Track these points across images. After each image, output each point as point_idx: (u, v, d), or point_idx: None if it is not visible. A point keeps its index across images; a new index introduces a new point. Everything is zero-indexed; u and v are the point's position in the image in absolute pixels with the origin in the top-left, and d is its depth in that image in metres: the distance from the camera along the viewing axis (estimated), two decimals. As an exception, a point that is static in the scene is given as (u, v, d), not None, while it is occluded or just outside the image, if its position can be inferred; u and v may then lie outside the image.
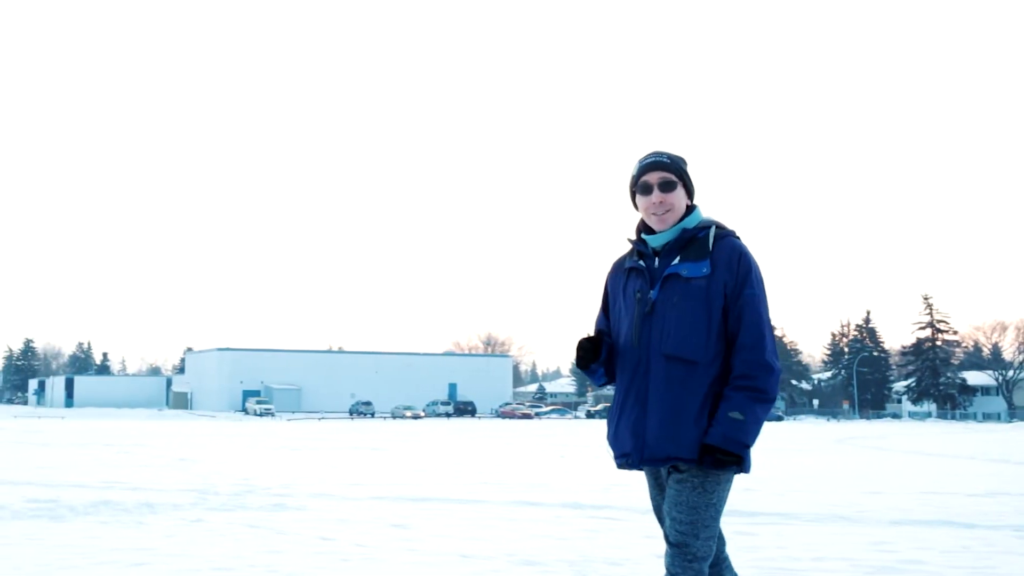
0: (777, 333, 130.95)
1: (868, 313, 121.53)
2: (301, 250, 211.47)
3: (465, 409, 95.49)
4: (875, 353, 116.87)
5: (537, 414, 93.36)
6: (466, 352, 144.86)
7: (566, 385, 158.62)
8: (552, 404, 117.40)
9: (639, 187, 4.02)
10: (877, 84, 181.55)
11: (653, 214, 3.97)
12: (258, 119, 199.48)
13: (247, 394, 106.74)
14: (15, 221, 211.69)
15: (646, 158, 4.05)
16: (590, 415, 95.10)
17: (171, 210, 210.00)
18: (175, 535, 8.81)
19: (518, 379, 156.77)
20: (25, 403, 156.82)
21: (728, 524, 9.94)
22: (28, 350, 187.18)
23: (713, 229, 3.97)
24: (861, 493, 13.73)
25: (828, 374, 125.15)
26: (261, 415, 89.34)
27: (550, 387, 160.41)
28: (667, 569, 3.74)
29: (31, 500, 11.44)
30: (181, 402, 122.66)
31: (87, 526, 9.39)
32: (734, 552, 8.13)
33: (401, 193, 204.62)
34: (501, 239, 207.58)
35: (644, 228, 4.09)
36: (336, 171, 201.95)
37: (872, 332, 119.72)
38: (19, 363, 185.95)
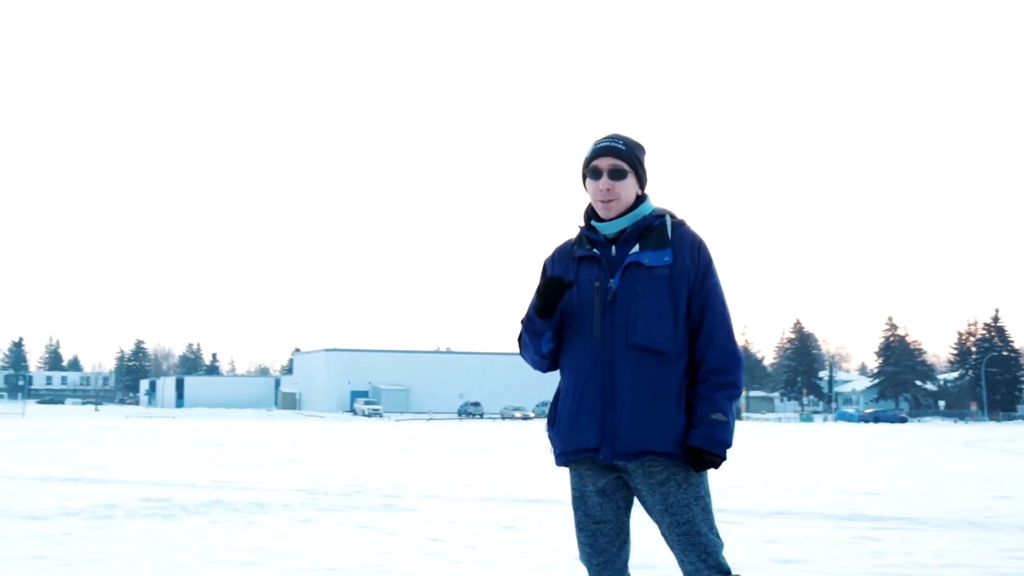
0: (899, 333, 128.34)
1: (997, 311, 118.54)
2: (409, 251, 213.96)
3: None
4: (1005, 353, 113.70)
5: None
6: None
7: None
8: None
9: (589, 171, 3.90)
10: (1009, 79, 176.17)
11: (600, 200, 3.86)
12: (363, 118, 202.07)
13: (355, 395, 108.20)
14: (127, 225, 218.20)
15: (600, 141, 3.93)
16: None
17: (281, 213, 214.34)
18: (285, 535, 8.95)
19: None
20: (136, 403, 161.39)
21: (852, 529, 9.73)
22: (139, 351, 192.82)
23: (668, 218, 3.90)
24: (992, 497, 13.33)
25: (955, 374, 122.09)
26: (369, 415, 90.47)
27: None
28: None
29: (144, 499, 11.73)
30: (289, 402, 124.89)
31: (199, 525, 9.59)
32: (858, 557, 7.97)
33: (513, 192, 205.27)
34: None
35: (592, 215, 3.97)
36: (439, 171, 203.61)
37: (1001, 331, 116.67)
38: (130, 364, 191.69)
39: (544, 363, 3.98)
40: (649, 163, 3.97)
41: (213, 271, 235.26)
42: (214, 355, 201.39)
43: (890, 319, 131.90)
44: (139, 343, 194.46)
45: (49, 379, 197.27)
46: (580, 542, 3.82)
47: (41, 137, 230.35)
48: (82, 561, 7.36)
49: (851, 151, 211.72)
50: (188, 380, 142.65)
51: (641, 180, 3.92)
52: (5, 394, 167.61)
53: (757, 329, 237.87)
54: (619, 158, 3.84)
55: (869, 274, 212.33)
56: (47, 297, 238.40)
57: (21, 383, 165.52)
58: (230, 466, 18.68)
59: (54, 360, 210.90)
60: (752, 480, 16.41)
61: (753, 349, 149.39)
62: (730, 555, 7.79)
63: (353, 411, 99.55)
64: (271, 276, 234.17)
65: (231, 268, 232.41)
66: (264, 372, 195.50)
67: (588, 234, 3.89)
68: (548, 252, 4.09)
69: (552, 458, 3.93)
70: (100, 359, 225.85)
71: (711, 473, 3.82)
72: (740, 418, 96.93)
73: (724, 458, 3.67)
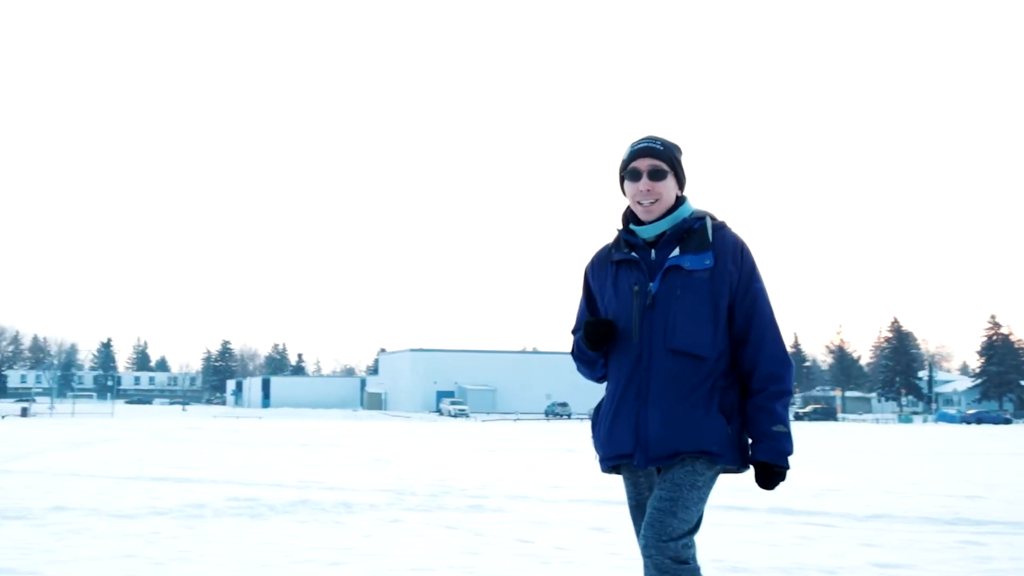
0: (1003, 332, 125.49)
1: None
2: (496, 250, 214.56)
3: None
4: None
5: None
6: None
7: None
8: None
9: (628, 172, 3.89)
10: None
11: (639, 202, 3.84)
12: (444, 116, 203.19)
13: (441, 395, 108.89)
14: (215, 227, 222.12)
15: (638, 143, 3.91)
16: (798, 417, 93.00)
17: (368, 214, 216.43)
18: (373, 535, 9.01)
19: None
20: (223, 403, 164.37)
21: (954, 533, 9.52)
22: (226, 351, 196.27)
23: (708, 220, 3.87)
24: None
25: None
26: (455, 416, 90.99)
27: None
28: (641, 551, 3.66)
29: (232, 499, 11.90)
30: (375, 402, 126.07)
31: (286, 525, 9.70)
32: (961, 562, 7.79)
33: (595, 191, 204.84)
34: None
35: (631, 218, 3.95)
36: (523, 170, 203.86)
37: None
38: (217, 364, 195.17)
39: (599, 381, 4.03)
40: (687, 164, 3.94)
41: (299, 272, 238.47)
42: (300, 355, 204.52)
43: (993, 317, 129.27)
44: (226, 344, 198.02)
45: (137, 379, 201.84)
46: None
47: (129, 141, 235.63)
48: (171, 560, 7.49)
49: (952, 145, 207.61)
50: (274, 380, 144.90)
51: (680, 181, 3.92)
52: (95, 394, 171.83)
53: (853, 327, 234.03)
54: (658, 158, 3.83)
55: (970, 271, 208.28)
56: (135, 298, 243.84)
57: (110, 383, 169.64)
58: (316, 466, 18.89)
59: (142, 361, 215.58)
60: (849, 482, 16.17)
61: (849, 348, 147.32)
62: (827, 559, 7.70)
63: (439, 411, 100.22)
64: (357, 277, 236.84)
65: (317, 269, 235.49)
66: (350, 372, 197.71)
67: (627, 237, 3.89)
68: (587, 258, 4.09)
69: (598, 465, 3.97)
70: (187, 360, 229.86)
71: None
72: (835, 419, 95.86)
73: (789, 468, 3.67)
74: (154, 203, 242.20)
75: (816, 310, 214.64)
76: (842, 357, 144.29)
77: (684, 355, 3.68)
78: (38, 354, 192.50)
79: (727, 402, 3.74)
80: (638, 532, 3.80)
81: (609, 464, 3.86)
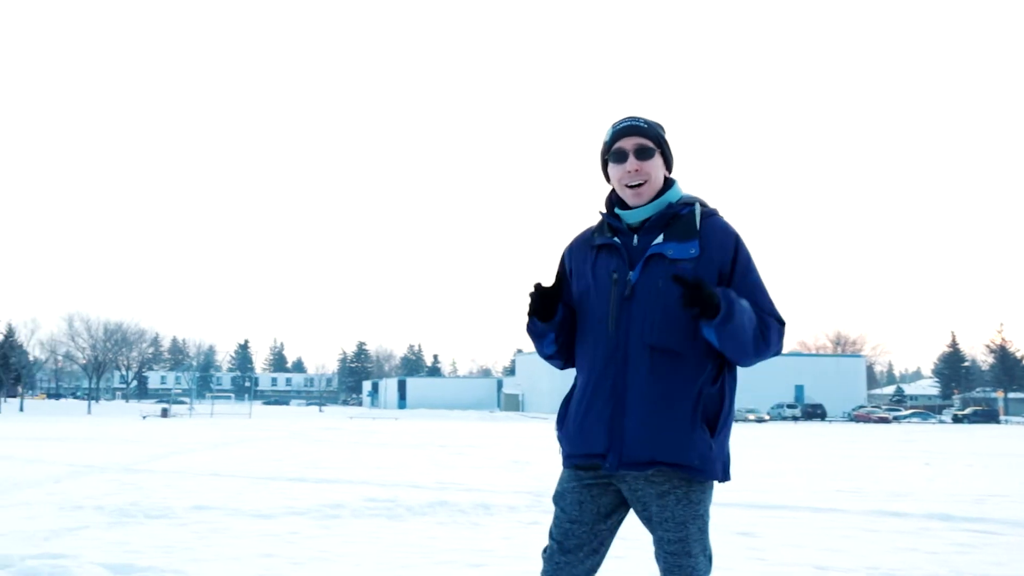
0: None
1: None
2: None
3: (814, 412, 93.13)
4: None
5: (895, 418, 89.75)
6: (814, 352, 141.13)
7: (928, 387, 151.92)
8: (912, 407, 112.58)
9: (612, 154, 3.70)
10: None
11: (627, 185, 3.65)
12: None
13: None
14: (349, 230, 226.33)
15: (620, 122, 3.72)
16: (957, 419, 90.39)
17: (505, 215, 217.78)
18: (512, 537, 9.08)
19: (872, 380, 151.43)
20: (359, 404, 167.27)
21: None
22: (361, 353, 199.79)
23: (697, 206, 3.68)
24: None
25: None
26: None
27: (909, 389, 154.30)
28: None
29: (370, 499, 12.12)
30: (512, 404, 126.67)
31: (424, 526, 9.84)
32: None
33: (732, 184, 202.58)
34: (852, 229, 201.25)
35: (617, 202, 3.76)
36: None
37: None
38: (353, 365, 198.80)
39: (556, 362, 3.84)
40: (672, 143, 3.78)
41: (435, 273, 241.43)
42: (435, 356, 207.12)
43: None
44: (361, 345, 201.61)
45: (274, 380, 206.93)
46: (550, 537, 3.71)
47: (261, 146, 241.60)
48: (310, 560, 7.67)
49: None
50: (410, 381, 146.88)
51: (668, 161, 3.76)
52: (232, 395, 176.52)
53: (1016, 326, 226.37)
54: (644, 136, 3.67)
55: None
56: (272, 301, 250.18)
57: (247, 384, 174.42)
58: (454, 467, 19.09)
59: (278, 362, 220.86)
60: (1014, 488, 15.68)
61: (1011, 348, 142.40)
62: (990, 568, 7.49)
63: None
64: (495, 277, 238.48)
65: (454, 270, 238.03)
66: (486, 373, 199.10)
67: (611, 221, 3.72)
68: (567, 241, 3.93)
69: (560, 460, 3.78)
70: (323, 361, 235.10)
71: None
72: (997, 421, 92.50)
73: (718, 303, 3.34)
74: (292, 207, 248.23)
75: (976, 308, 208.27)
76: (1004, 357, 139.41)
77: (663, 351, 3.49)
78: (177, 356, 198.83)
79: (712, 410, 3.56)
80: (554, 517, 3.69)
81: (575, 462, 3.64)
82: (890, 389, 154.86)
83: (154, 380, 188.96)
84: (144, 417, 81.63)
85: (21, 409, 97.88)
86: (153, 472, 16.91)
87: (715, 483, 3.61)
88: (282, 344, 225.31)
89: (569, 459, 3.67)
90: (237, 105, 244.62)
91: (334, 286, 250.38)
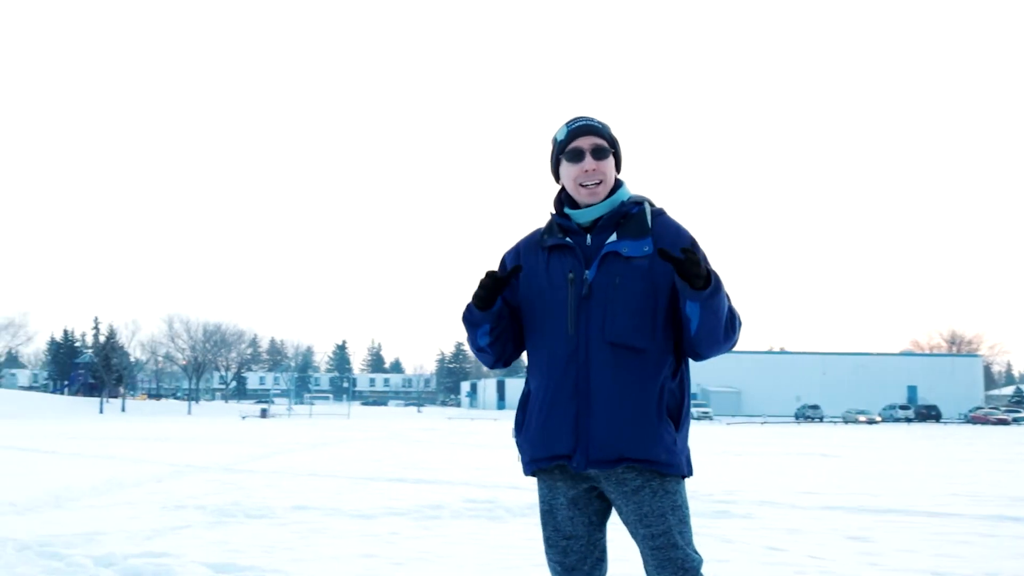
0: None
1: None
2: (740, 245, 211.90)
3: (928, 414, 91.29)
4: None
5: (1015, 420, 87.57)
6: (927, 351, 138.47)
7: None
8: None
9: (567, 153, 3.68)
10: None
11: (582, 184, 3.65)
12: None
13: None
14: (447, 233, 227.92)
15: (575, 121, 3.71)
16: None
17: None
18: (613, 539, 9.03)
19: (990, 381, 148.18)
20: (458, 405, 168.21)
21: None
22: (460, 353, 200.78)
23: (647, 205, 3.71)
24: None
25: None
26: (698, 419, 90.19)
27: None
28: None
29: (469, 500, 12.19)
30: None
31: (524, 527, 9.87)
32: None
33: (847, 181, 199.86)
34: (971, 223, 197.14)
35: (566, 202, 3.75)
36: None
37: None
38: (451, 366, 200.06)
39: (485, 357, 3.80)
40: (622, 146, 3.80)
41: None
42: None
43: None
44: (459, 345, 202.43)
45: (372, 381, 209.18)
46: (549, 559, 3.70)
47: (369, 149, 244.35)
48: (411, 560, 7.75)
49: None
50: (509, 382, 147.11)
51: (619, 162, 3.78)
52: (331, 396, 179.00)
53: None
54: (600, 136, 3.68)
55: None
56: (370, 301, 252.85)
57: (345, 385, 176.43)
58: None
59: (376, 363, 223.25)
60: None
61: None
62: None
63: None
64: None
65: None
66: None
67: (560, 222, 3.70)
68: (510, 244, 3.90)
69: (521, 467, 3.73)
70: (421, 362, 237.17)
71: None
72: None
73: (709, 274, 3.38)
74: (390, 209, 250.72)
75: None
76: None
77: (624, 348, 3.51)
78: (276, 357, 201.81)
79: (674, 404, 3.59)
80: (546, 538, 3.68)
81: (539, 466, 3.63)
82: (1009, 390, 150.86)
83: (253, 381, 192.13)
84: (243, 417, 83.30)
85: (123, 409, 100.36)
86: (253, 472, 17.21)
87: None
88: (380, 345, 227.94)
89: (532, 463, 3.65)
90: (338, 106, 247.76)
91: (432, 286, 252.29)
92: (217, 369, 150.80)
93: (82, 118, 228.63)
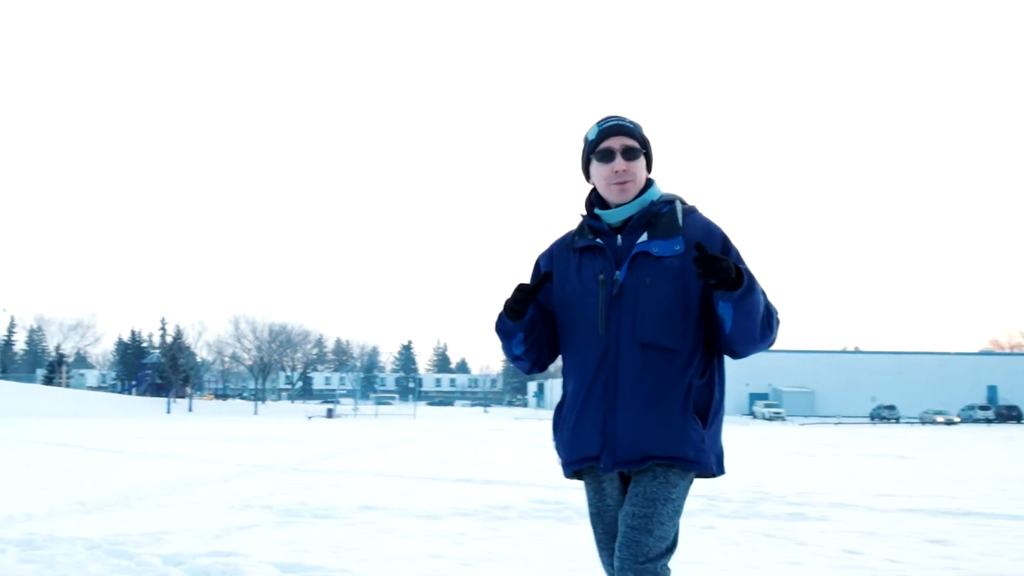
0: None
1: None
2: (814, 243, 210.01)
3: (1008, 415, 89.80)
4: None
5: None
6: (1007, 351, 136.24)
7: None
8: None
9: (598, 153, 3.71)
10: None
11: (613, 184, 3.67)
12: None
13: (753, 397, 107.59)
14: (512, 233, 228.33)
15: (606, 121, 3.72)
16: None
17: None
18: (688, 541, 8.95)
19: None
20: (525, 405, 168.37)
21: None
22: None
23: (678, 203, 3.72)
24: None
25: None
26: (770, 419, 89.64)
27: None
28: (616, 572, 3.50)
29: (537, 501, 12.19)
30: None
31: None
32: None
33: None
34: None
35: (596, 202, 3.77)
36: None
37: None
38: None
39: (521, 364, 3.85)
40: (653, 144, 3.79)
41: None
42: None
43: None
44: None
45: (438, 381, 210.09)
46: (603, 562, 3.73)
47: (419, 151, 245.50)
48: (479, 560, 7.75)
49: None
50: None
51: (649, 162, 3.77)
52: (396, 396, 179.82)
53: None
54: (631, 137, 3.69)
55: None
56: (435, 301, 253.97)
57: (411, 385, 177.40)
58: (623, 470, 19.03)
59: (442, 363, 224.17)
60: None
61: None
62: None
63: (752, 414, 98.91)
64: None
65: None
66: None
67: (591, 223, 3.72)
68: (545, 247, 3.94)
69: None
70: (487, 362, 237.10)
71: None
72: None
73: (740, 272, 3.36)
74: (454, 210, 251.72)
75: None
76: None
77: (654, 348, 3.52)
78: (341, 357, 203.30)
79: (703, 402, 3.60)
80: (598, 540, 3.73)
81: (573, 468, 3.71)
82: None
83: (319, 381, 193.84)
84: (309, 418, 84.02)
85: (190, 409, 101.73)
86: (320, 472, 17.35)
87: (695, 477, 3.64)
88: (446, 345, 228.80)
89: (568, 466, 3.73)
90: (407, 109, 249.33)
91: (497, 286, 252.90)
92: (283, 369, 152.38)
93: (154, 122, 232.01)
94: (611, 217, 3.70)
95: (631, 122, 3.74)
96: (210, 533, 9.07)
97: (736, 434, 47.77)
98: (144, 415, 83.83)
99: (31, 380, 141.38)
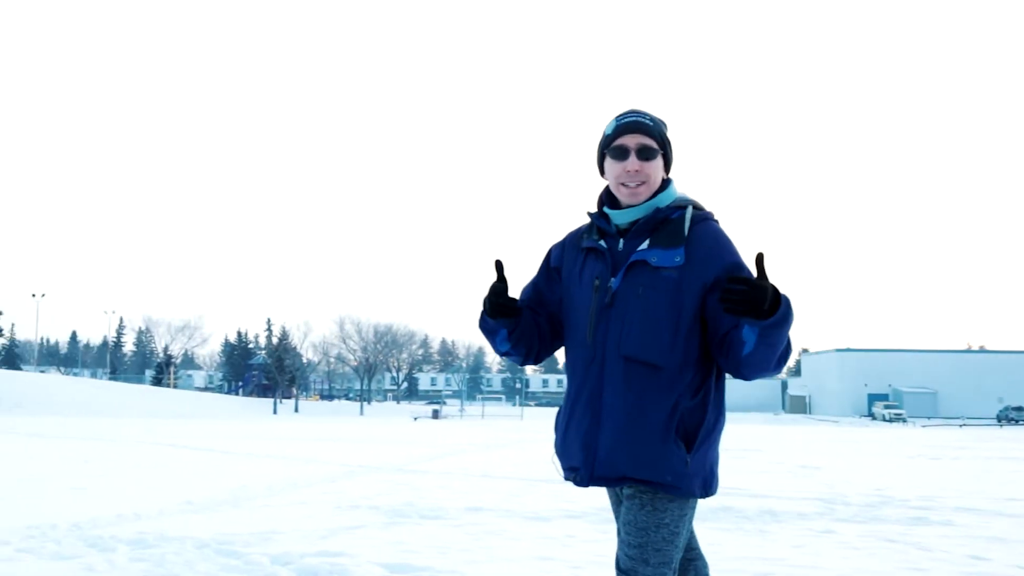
0: None
1: None
2: (928, 239, 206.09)
3: None
4: None
5: None
6: None
7: None
8: None
9: (612, 150, 3.60)
10: None
11: (624, 184, 3.57)
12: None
13: (872, 398, 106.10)
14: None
15: (624, 116, 3.62)
16: None
17: (791, 210, 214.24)
18: (803, 546, 8.89)
19: None
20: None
21: None
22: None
23: (690, 210, 3.56)
24: None
25: None
26: (890, 421, 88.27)
27: None
28: None
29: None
30: (798, 406, 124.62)
31: (707, 532, 9.76)
32: None
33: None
34: None
35: (608, 200, 3.69)
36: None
37: None
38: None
39: (515, 358, 3.79)
40: (673, 142, 3.67)
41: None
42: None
43: None
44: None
45: (545, 382, 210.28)
46: (617, 568, 3.61)
47: (527, 151, 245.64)
48: (588, 564, 7.73)
49: None
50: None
51: (668, 162, 3.65)
52: (503, 397, 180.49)
53: None
54: (648, 136, 3.56)
55: None
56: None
57: (518, 386, 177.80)
58: (736, 471, 18.87)
59: (549, 363, 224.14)
60: None
61: None
62: None
63: (871, 415, 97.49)
64: (776, 275, 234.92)
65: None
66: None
67: (598, 223, 3.63)
68: (560, 237, 3.86)
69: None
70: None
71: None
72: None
73: (773, 305, 3.15)
74: (555, 209, 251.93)
75: None
76: None
77: (638, 363, 3.43)
78: (447, 357, 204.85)
79: (692, 425, 3.47)
80: (618, 534, 3.63)
81: (566, 475, 3.65)
82: None
83: (424, 382, 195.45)
84: (415, 418, 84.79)
85: (296, 410, 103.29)
86: (426, 473, 17.48)
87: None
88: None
89: (563, 473, 3.70)
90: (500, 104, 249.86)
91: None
92: (388, 370, 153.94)
93: (260, 127, 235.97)
94: (619, 218, 3.62)
95: (651, 119, 3.63)
96: (317, 533, 9.20)
97: (854, 436, 47.13)
98: (251, 416, 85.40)
99: (140, 381, 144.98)
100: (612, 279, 3.53)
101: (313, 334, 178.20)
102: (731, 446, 31.50)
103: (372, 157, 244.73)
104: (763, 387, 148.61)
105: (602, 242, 3.62)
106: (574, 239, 3.79)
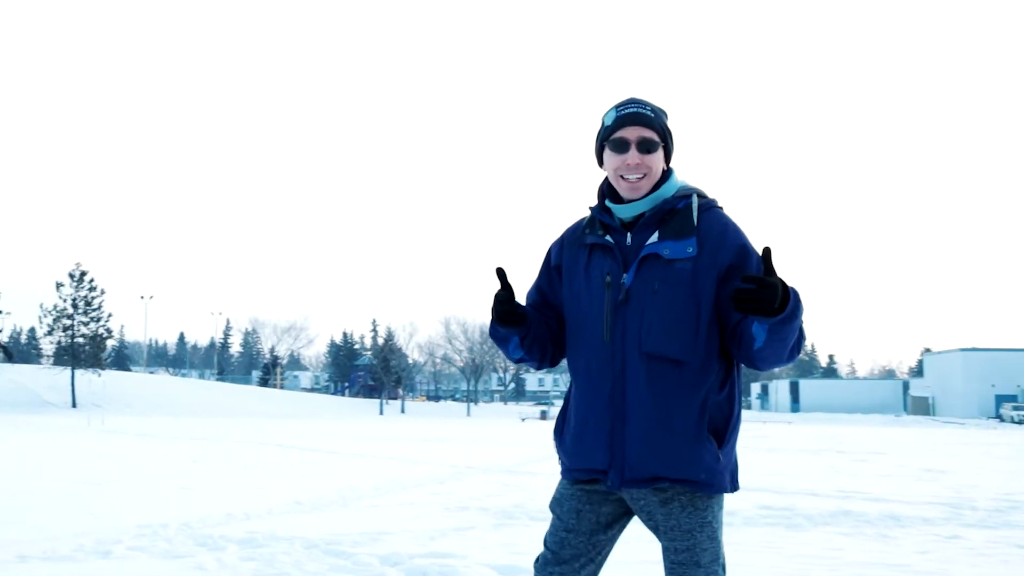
0: None
1: None
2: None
3: None
4: None
5: None
6: None
7: None
8: None
9: (612, 142, 3.51)
10: None
11: (624, 177, 3.49)
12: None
13: (1001, 399, 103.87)
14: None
15: (624, 107, 3.52)
16: None
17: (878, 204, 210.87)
18: (929, 552, 8.73)
19: None
20: (748, 407, 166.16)
21: None
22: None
23: (695, 198, 3.50)
24: None
25: None
26: (1019, 423, 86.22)
27: None
28: None
29: (764, 507, 12.00)
30: (921, 407, 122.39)
31: (827, 536, 9.64)
32: None
33: None
34: None
35: (608, 193, 3.59)
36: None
37: None
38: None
39: (528, 364, 3.72)
40: (674, 132, 3.56)
41: (835, 267, 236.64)
42: (831, 356, 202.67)
43: None
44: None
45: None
46: (544, 545, 3.60)
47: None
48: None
49: None
50: (803, 383, 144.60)
51: (669, 152, 3.56)
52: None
53: None
54: (649, 128, 3.47)
55: None
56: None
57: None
58: (856, 475, 18.63)
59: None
60: None
61: None
62: None
63: (999, 417, 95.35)
64: (896, 272, 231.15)
65: (846, 267, 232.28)
66: (889, 374, 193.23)
67: (601, 217, 3.54)
68: (558, 234, 3.77)
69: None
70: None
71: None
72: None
73: (788, 294, 3.13)
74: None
75: None
76: None
77: (662, 360, 3.37)
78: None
79: (721, 418, 3.45)
80: (551, 524, 3.63)
81: (575, 476, 3.56)
82: None
83: (531, 382, 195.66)
84: (523, 419, 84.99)
85: (402, 411, 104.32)
86: (535, 474, 17.52)
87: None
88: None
89: (570, 472, 3.61)
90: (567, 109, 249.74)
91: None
92: (495, 371, 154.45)
93: (363, 131, 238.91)
94: (622, 212, 3.55)
95: (652, 109, 3.55)
96: (426, 534, 9.27)
97: (981, 439, 46.17)
98: (357, 416, 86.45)
99: (247, 382, 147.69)
100: (624, 275, 3.48)
101: (419, 335, 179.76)
102: (848, 448, 31.13)
103: (477, 159, 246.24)
104: (881, 388, 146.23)
105: (608, 237, 3.56)
106: (573, 235, 3.73)
